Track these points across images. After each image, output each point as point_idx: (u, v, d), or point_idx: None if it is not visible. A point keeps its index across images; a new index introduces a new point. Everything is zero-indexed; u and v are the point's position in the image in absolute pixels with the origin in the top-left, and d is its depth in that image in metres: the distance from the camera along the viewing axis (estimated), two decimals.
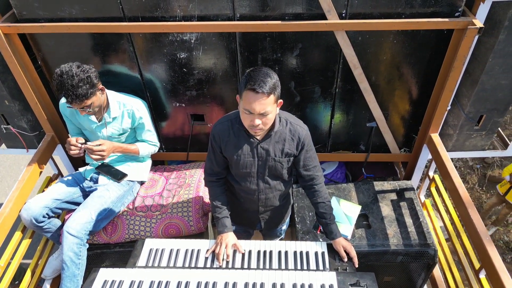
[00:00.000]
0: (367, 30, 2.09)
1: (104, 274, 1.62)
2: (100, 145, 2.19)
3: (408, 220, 2.45)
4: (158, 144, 2.55)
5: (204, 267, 1.74)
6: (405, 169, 2.91)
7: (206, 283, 1.58)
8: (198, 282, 1.58)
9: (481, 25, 1.98)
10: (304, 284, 1.56)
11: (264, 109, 1.58)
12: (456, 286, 2.23)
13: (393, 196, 2.60)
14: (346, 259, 1.83)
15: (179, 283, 1.58)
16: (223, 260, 1.81)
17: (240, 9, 2.09)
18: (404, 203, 2.55)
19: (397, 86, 2.37)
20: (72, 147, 2.14)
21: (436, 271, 2.58)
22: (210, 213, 2.58)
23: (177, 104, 2.54)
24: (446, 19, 2.01)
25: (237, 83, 2.39)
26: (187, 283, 1.58)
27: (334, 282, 1.55)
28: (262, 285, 1.57)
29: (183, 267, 1.74)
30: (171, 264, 1.77)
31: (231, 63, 2.30)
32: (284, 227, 2.32)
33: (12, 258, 2.21)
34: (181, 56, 2.28)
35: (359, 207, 2.48)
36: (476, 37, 2.05)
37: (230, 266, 1.75)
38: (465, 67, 2.29)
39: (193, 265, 1.76)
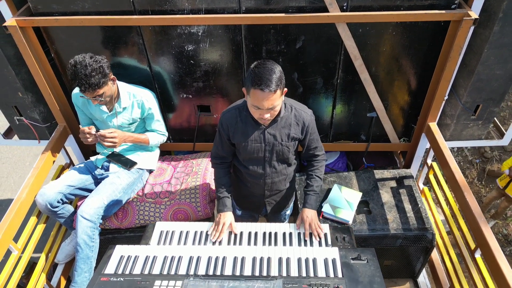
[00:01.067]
0: (367, 22, 2.18)
1: (120, 250, 1.73)
2: (112, 132, 2.29)
3: (407, 206, 2.54)
4: (167, 134, 2.65)
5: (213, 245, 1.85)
6: (404, 158, 3.00)
7: (216, 258, 1.68)
8: (209, 257, 1.68)
9: (476, 16, 2.07)
10: (309, 258, 1.66)
11: (272, 104, 1.69)
12: (453, 268, 2.32)
13: (393, 183, 2.70)
14: (298, 227, 2.00)
15: (191, 258, 1.68)
16: (216, 239, 1.93)
17: (246, 3, 2.18)
18: (404, 190, 2.64)
19: (396, 77, 2.46)
20: (87, 135, 2.25)
21: (434, 255, 2.67)
22: (216, 200, 2.67)
23: (184, 96, 2.63)
24: (443, 11, 2.10)
25: (242, 75, 2.48)
26: (198, 258, 1.68)
27: (337, 256, 1.65)
28: (269, 259, 1.67)
29: (194, 244, 1.83)
30: (182, 244, 1.87)
31: (237, 55, 2.39)
32: (288, 212, 2.42)
33: (27, 242, 2.31)
34: (188, 48, 2.38)
35: (360, 194, 2.58)
36: (472, 28, 2.15)
37: (238, 243, 1.85)
38: (462, 58, 2.38)
39: (202, 244, 1.86)
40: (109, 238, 2.51)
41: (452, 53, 2.20)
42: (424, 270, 2.69)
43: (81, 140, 2.32)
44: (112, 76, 2.23)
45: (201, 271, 1.63)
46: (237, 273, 1.60)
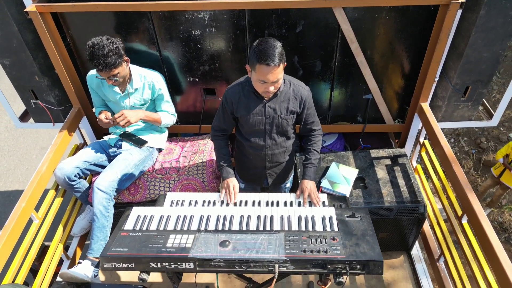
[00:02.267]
0: (362, 6, 2.35)
1: (137, 211, 1.90)
2: (120, 116, 2.46)
3: (401, 182, 2.70)
4: (176, 115, 2.82)
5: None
6: (399, 140, 3.17)
7: (225, 216, 1.86)
8: (218, 215, 1.86)
9: (463, 0, 2.24)
10: (308, 216, 1.83)
11: (276, 77, 1.87)
12: (443, 236, 2.49)
13: (388, 161, 2.86)
14: (298, 197, 2.14)
15: (201, 217, 1.86)
16: (232, 201, 2.09)
17: None
18: (398, 167, 2.80)
19: (390, 60, 2.63)
20: (104, 121, 2.47)
21: (426, 227, 2.84)
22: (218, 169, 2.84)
23: (191, 79, 2.80)
24: None
25: (246, 58, 2.65)
26: (208, 216, 1.86)
27: (333, 214, 1.82)
28: (272, 217, 1.84)
29: (203, 206, 2.01)
30: (193, 206, 2.05)
31: (241, 39, 2.56)
32: (288, 185, 2.59)
33: (47, 213, 2.49)
34: (195, 33, 2.55)
35: (357, 170, 2.74)
36: (459, 11, 2.31)
37: (243, 205, 2.03)
38: (451, 42, 2.55)
39: (211, 206, 2.03)
40: (122, 211, 2.66)
41: (441, 35, 2.37)
42: (417, 243, 2.86)
43: (98, 123, 2.52)
44: (126, 58, 2.40)
45: (211, 227, 1.80)
46: (243, 228, 1.78)
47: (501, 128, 5.53)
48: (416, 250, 2.87)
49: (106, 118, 2.49)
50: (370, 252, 1.59)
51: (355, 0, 2.31)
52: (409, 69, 2.68)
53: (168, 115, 2.73)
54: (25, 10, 2.36)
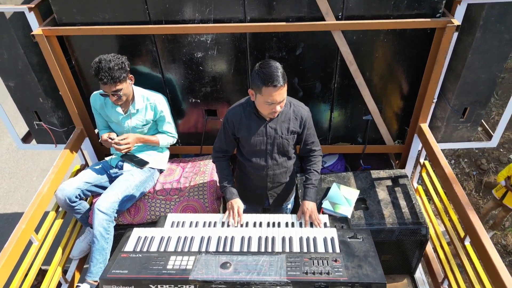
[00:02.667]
0: (360, 29, 2.41)
1: (138, 232, 1.89)
2: (124, 138, 2.50)
3: (402, 203, 2.69)
4: (177, 136, 2.85)
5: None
6: (399, 161, 3.17)
7: (226, 237, 1.85)
8: (219, 237, 1.85)
9: (459, 23, 2.29)
10: (309, 237, 1.82)
11: (283, 96, 1.93)
12: (446, 258, 2.46)
13: (389, 182, 2.86)
14: (299, 219, 2.13)
15: (202, 238, 1.84)
16: (237, 223, 2.07)
17: (250, 13, 2.41)
18: (399, 188, 2.80)
19: (389, 81, 2.67)
20: (109, 141, 2.50)
21: (429, 250, 2.81)
22: (222, 198, 2.84)
23: (193, 100, 2.84)
24: (429, 19, 2.33)
25: (247, 80, 2.69)
26: (209, 237, 1.85)
27: (335, 235, 1.81)
28: (273, 238, 1.83)
29: (204, 227, 2.00)
30: (193, 227, 2.04)
31: (242, 61, 2.61)
32: (290, 206, 2.58)
33: (47, 235, 2.47)
34: (198, 56, 2.60)
35: (358, 191, 2.74)
36: (455, 34, 2.37)
37: (245, 227, 2.02)
38: (448, 63, 2.59)
39: (212, 227, 2.02)
40: (122, 233, 2.63)
41: (438, 57, 2.42)
42: (420, 267, 2.82)
43: (99, 144, 2.54)
44: (131, 75, 2.45)
45: (212, 248, 1.79)
46: (245, 250, 1.76)
47: (501, 150, 5.55)
48: (420, 273, 2.83)
49: (110, 138, 2.50)
50: (372, 274, 1.57)
51: (353, 24, 2.37)
52: (407, 90, 2.72)
53: (167, 136, 2.76)
54: (32, 33, 2.42)
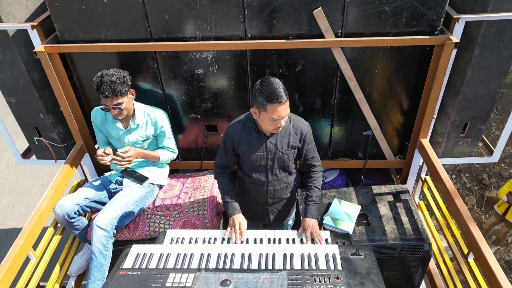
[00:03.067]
0: (359, 46, 2.43)
1: (136, 248, 1.87)
2: (127, 151, 2.49)
3: (404, 218, 2.67)
4: (177, 151, 2.84)
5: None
6: (400, 176, 3.16)
7: (226, 254, 1.82)
8: (218, 253, 1.82)
9: (457, 40, 2.31)
10: (311, 254, 1.80)
11: (287, 111, 1.95)
12: (449, 275, 2.43)
13: (390, 198, 2.85)
14: (300, 235, 2.11)
15: (201, 255, 1.82)
16: (238, 240, 2.05)
17: (251, 31, 2.44)
18: (400, 204, 2.78)
19: (389, 97, 2.68)
20: (104, 157, 2.46)
21: (432, 266, 2.77)
22: (222, 214, 2.82)
23: (193, 116, 2.85)
24: (427, 37, 2.35)
25: (247, 96, 2.71)
26: (209, 254, 1.82)
27: (336, 252, 1.79)
28: (274, 255, 1.80)
29: (204, 243, 1.97)
30: (193, 243, 2.01)
31: (242, 77, 2.63)
32: (290, 222, 2.56)
33: (44, 251, 2.44)
34: (198, 72, 2.62)
35: (359, 207, 2.72)
36: (454, 51, 2.39)
37: (245, 243, 1.99)
38: (448, 80, 2.61)
39: (212, 243, 1.99)
40: (121, 250, 2.60)
41: (437, 74, 2.43)
42: (423, 283, 2.78)
43: (98, 161, 2.53)
44: (132, 90, 2.46)
45: (212, 265, 1.76)
46: (245, 267, 1.74)
47: (502, 165, 5.53)
48: None
49: (106, 153, 2.49)
50: None
51: (352, 41, 2.39)
52: (407, 105, 2.73)
53: (167, 152, 2.75)
54: (34, 50, 2.44)
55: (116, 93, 2.31)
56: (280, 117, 1.92)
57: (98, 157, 2.48)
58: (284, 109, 1.91)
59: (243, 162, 2.20)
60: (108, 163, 2.51)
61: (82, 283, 2.80)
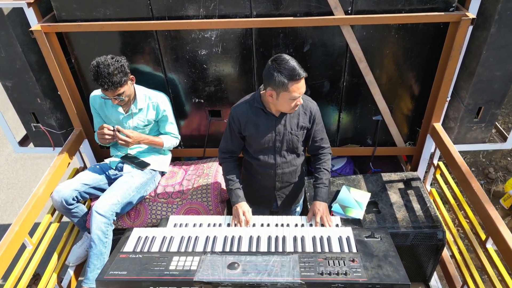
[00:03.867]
0: (370, 24, 2.32)
1: (138, 232, 1.76)
2: (129, 134, 2.39)
3: (416, 206, 2.56)
4: (179, 137, 2.74)
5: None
6: (410, 163, 3.05)
7: (233, 237, 1.71)
8: (225, 236, 1.72)
9: (474, 16, 2.21)
10: (323, 236, 1.69)
11: (305, 86, 1.87)
12: (465, 264, 2.32)
13: (401, 185, 2.74)
14: (309, 220, 2.03)
15: (207, 237, 1.71)
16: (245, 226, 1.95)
17: (257, 8, 2.33)
18: (412, 191, 2.67)
19: (400, 79, 2.57)
20: (106, 133, 2.35)
21: (445, 255, 2.66)
22: (227, 201, 2.71)
23: (196, 100, 2.74)
24: (442, 13, 2.24)
25: (253, 78, 2.60)
26: (214, 237, 1.71)
27: (350, 234, 1.68)
28: (284, 238, 1.70)
29: (209, 227, 1.87)
30: (197, 227, 1.90)
31: (247, 58, 2.52)
32: (298, 209, 2.45)
33: (42, 239, 2.34)
34: (202, 53, 2.51)
35: (369, 194, 2.61)
36: (470, 28, 2.28)
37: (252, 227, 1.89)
38: (462, 61, 2.50)
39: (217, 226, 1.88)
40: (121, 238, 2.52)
41: (452, 52, 2.32)
42: (435, 274, 2.67)
43: (98, 142, 2.42)
44: (131, 76, 2.35)
45: (218, 248, 1.66)
46: (253, 250, 1.63)
47: (509, 158, 5.45)
48: (435, 281, 2.67)
49: (108, 129, 2.37)
50: (395, 275, 1.44)
51: (363, 18, 2.28)
52: (419, 88, 2.62)
53: (170, 137, 2.65)
54: (30, 29, 2.33)
55: (116, 85, 2.20)
56: (300, 94, 1.84)
57: (100, 135, 2.37)
58: (304, 85, 1.85)
59: (250, 145, 2.09)
60: (108, 143, 2.40)
61: (81, 276, 2.70)
